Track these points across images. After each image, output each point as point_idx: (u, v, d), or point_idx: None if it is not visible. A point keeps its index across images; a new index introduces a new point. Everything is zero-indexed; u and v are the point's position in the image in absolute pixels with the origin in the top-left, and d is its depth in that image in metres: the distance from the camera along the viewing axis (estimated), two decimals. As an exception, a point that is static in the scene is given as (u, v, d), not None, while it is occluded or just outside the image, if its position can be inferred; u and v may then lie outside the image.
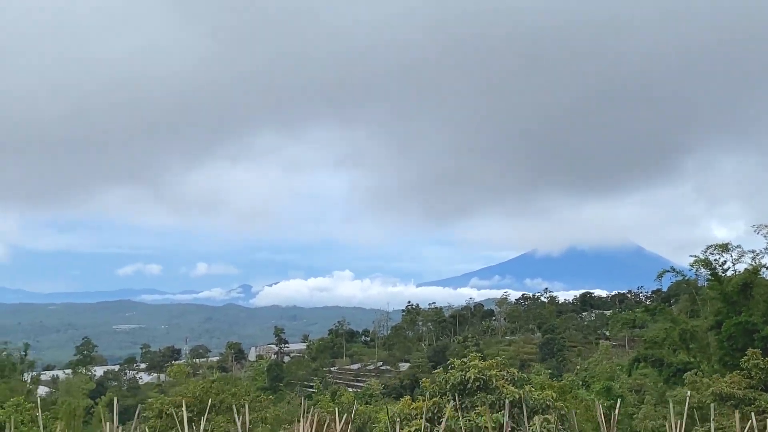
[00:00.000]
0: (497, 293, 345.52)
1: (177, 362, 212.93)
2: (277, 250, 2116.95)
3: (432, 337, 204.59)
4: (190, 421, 37.97)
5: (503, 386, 25.08)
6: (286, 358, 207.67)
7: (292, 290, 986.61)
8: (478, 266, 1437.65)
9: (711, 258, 72.41)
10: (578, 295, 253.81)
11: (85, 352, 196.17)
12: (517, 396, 24.17)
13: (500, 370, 26.05)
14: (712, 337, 68.48)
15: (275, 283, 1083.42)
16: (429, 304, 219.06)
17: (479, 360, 26.55)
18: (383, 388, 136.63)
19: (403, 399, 28.29)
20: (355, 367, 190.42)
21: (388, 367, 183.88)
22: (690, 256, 73.40)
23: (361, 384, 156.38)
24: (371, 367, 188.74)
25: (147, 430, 44.02)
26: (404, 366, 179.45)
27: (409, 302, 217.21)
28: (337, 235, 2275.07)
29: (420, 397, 27.16)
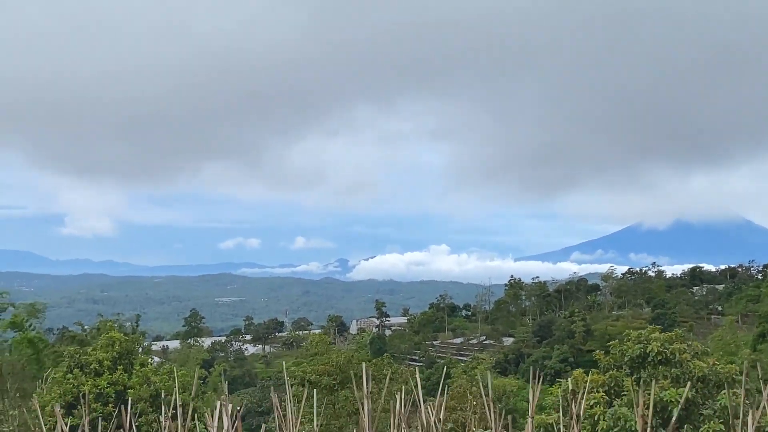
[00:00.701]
0: (599, 267, 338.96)
1: (306, 332, 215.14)
2: (373, 224, 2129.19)
3: (536, 312, 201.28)
4: (332, 389, 36.57)
5: (687, 360, 22.98)
6: (387, 332, 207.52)
7: (389, 264, 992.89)
8: (577, 241, 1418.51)
9: None
10: (686, 270, 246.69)
11: (192, 324, 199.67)
12: (705, 370, 22.14)
13: (682, 343, 23.89)
14: None
15: (371, 257, 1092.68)
16: (532, 278, 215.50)
17: (659, 332, 24.38)
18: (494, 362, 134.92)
19: (575, 372, 26.42)
20: (457, 341, 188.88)
21: (491, 342, 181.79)
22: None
23: (464, 358, 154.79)
24: (474, 341, 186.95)
25: (291, 397, 43.04)
26: (508, 341, 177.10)
27: (511, 276, 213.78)
28: (433, 208, 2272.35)
29: (594, 371, 25.16)
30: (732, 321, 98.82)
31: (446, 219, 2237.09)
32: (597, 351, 27.68)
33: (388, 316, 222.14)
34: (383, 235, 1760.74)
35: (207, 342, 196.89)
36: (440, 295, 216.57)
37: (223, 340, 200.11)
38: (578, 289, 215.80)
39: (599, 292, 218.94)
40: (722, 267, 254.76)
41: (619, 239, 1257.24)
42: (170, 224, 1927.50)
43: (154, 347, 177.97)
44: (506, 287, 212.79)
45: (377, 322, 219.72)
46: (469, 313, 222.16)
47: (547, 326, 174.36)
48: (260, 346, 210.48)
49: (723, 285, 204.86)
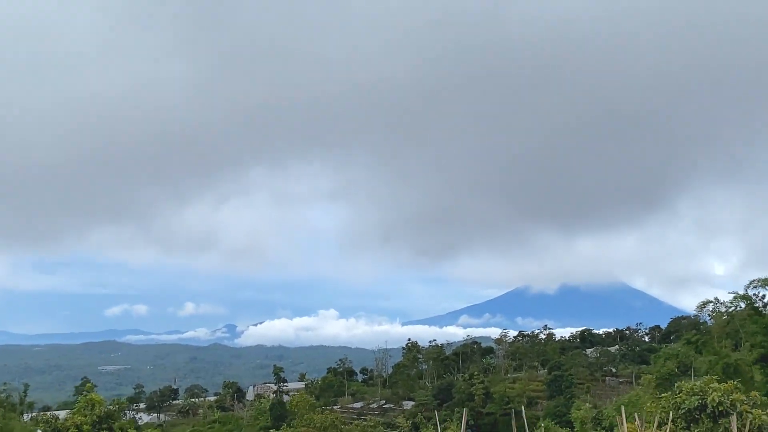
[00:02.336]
0: (487, 331, 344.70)
1: (177, 401, 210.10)
2: (263, 289, 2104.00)
3: (433, 375, 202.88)
4: None
5: (747, 410, 23.97)
6: (286, 397, 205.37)
7: (278, 330, 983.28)
8: (464, 304, 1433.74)
9: (751, 293, 71.92)
10: (576, 333, 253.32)
11: (84, 393, 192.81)
12: (765, 418, 23.23)
13: (741, 394, 24.89)
14: (756, 371, 67.73)
15: (260, 323, 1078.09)
16: (429, 342, 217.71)
17: (716, 382, 25.34)
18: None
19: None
20: (357, 405, 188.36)
21: (391, 406, 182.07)
22: (704, 301, 73.14)
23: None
24: (374, 405, 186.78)
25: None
26: (408, 404, 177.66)
27: (408, 339, 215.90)
28: (322, 273, 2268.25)
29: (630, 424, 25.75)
30: (651, 379, 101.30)
31: (335, 283, 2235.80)
32: (649, 404, 28.18)
33: (285, 381, 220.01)
34: (272, 300, 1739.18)
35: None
36: (339, 360, 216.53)
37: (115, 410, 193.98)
38: (473, 352, 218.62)
39: (493, 355, 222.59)
40: (609, 330, 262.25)
41: (506, 303, 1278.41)
42: (53, 290, 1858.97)
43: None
44: (403, 351, 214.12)
45: (275, 387, 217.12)
46: (366, 377, 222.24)
47: (446, 389, 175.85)
48: (154, 414, 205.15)
49: (614, 347, 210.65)
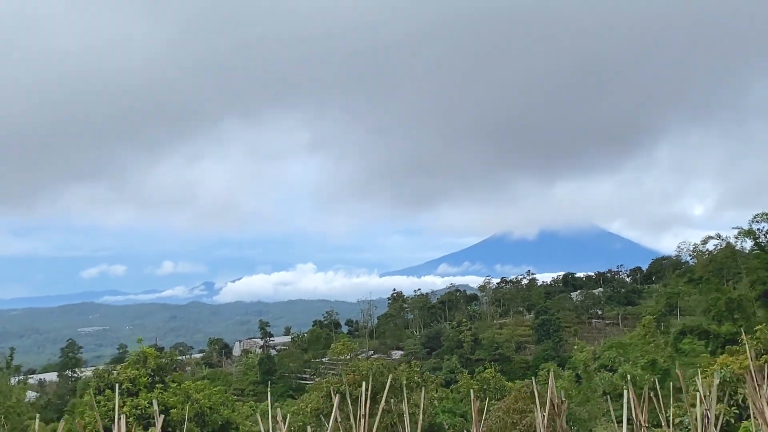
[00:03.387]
0: (467, 279, 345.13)
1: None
2: (239, 246, 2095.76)
3: (419, 324, 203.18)
4: (363, 399, 35.85)
5: None
6: (273, 352, 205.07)
7: (256, 286, 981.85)
8: (441, 254, 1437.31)
9: (755, 228, 71.49)
10: (558, 277, 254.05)
11: (70, 354, 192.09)
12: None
13: None
14: (758, 307, 67.77)
15: (238, 279, 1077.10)
16: (414, 291, 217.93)
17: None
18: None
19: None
20: (347, 357, 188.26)
21: (380, 355, 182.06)
22: (695, 241, 73.14)
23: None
24: (363, 356, 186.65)
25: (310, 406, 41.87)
26: (397, 354, 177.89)
27: (393, 289, 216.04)
28: (299, 228, 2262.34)
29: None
30: (650, 320, 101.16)
31: (313, 237, 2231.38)
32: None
33: (271, 336, 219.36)
34: (250, 257, 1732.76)
35: (87, 372, 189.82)
36: (326, 312, 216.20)
37: (101, 369, 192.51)
38: (457, 299, 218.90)
39: (477, 302, 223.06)
40: (590, 273, 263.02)
41: (485, 251, 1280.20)
42: (27, 254, 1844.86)
43: (30, 381, 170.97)
44: (388, 301, 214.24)
45: (261, 342, 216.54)
46: (351, 328, 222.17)
47: (435, 337, 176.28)
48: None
49: (598, 290, 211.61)
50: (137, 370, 25.71)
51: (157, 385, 25.33)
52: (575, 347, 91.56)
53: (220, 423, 23.41)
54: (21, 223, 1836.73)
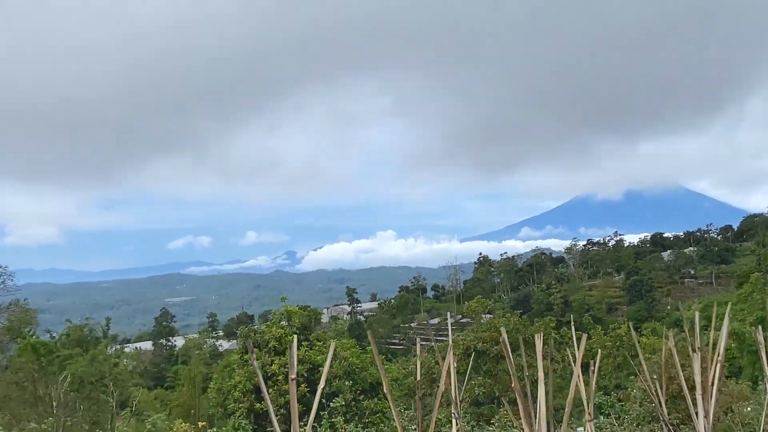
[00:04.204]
0: (548, 243, 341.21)
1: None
2: (320, 215, 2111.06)
3: (506, 288, 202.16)
4: (500, 358, 35.32)
5: None
6: (360, 318, 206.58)
7: (337, 254, 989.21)
8: (521, 218, 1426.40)
9: None
10: (646, 237, 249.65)
11: (164, 323, 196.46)
12: None
13: None
14: None
15: (320, 248, 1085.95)
16: (500, 254, 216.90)
17: None
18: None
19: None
20: (434, 321, 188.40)
21: (468, 320, 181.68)
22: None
23: (444, 338, 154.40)
24: (451, 320, 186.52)
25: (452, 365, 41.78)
26: (485, 317, 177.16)
27: (480, 254, 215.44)
28: (379, 194, 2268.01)
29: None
30: (758, 277, 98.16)
31: (393, 204, 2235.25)
32: None
33: (359, 302, 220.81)
34: (332, 225, 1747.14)
35: (179, 341, 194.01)
36: (413, 278, 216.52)
37: (197, 338, 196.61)
38: (544, 262, 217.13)
39: (564, 264, 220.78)
40: (679, 234, 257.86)
41: (567, 213, 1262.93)
42: (116, 227, 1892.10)
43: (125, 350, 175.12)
44: (475, 265, 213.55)
45: (348, 308, 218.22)
46: (437, 293, 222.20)
47: (524, 300, 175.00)
48: (233, 341, 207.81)
49: (690, 249, 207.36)
50: (282, 328, 25.66)
51: (303, 343, 25.26)
52: (668, 307, 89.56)
53: (369, 382, 23.32)
54: (109, 196, 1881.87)
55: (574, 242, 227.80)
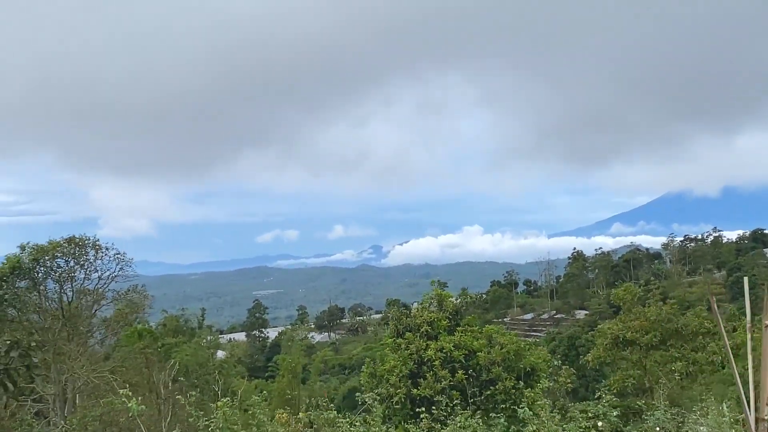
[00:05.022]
0: (639, 239, 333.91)
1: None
2: (407, 209, 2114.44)
3: (601, 284, 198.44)
4: (651, 348, 33.84)
5: None
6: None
7: (423, 248, 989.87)
8: (610, 214, 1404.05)
9: None
10: (746, 234, 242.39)
11: (257, 315, 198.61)
12: None
13: None
14: None
15: (405, 242, 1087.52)
16: (595, 249, 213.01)
17: None
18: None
19: None
20: (528, 317, 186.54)
21: (563, 316, 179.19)
22: None
23: (539, 333, 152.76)
24: (545, 316, 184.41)
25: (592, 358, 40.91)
26: (580, 314, 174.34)
27: (574, 248, 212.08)
28: (466, 189, 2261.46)
29: None
30: None
31: (480, 199, 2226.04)
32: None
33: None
34: (418, 219, 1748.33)
35: (272, 333, 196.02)
36: (507, 272, 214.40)
37: (290, 329, 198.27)
38: (640, 259, 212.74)
39: (660, 260, 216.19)
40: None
41: (660, 209, 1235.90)
42: (206, 220, 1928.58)
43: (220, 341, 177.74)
44: (569, 260, 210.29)
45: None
46: (530, 288, 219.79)
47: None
48: (325, 333, 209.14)
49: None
50: (436, 312, 24.80)
51: (457, 329, 24.33)
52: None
53: (526, 369, 22.25)
54: (200, 190, 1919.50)
55: (670, 238, 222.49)
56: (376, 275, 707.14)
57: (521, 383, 21.92)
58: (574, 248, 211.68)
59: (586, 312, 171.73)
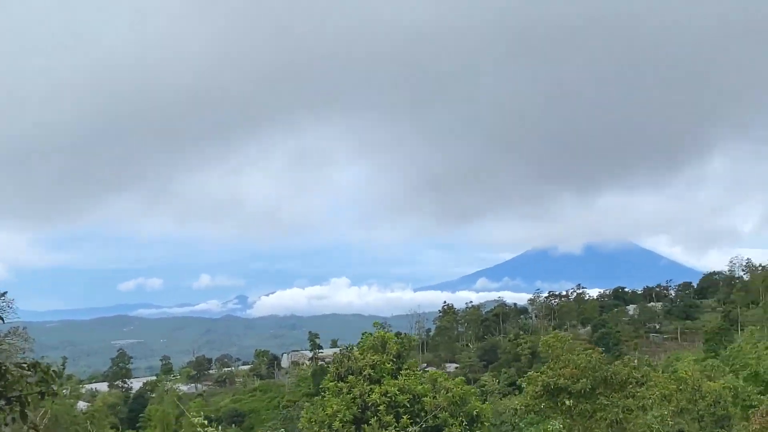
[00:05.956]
0: (504, 295, 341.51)
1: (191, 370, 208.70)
2: (276, 259, 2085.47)
3: (471, 337, 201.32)
4: (583, 395, 33.85)
5: None
6: (320, 363, 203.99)
7: (289, 299, 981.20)
8: (475, 269, 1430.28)
9: None
10: (605, 292, 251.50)
11: (120, 364, 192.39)
12: None
13: None
14: None
15: (272, 293, 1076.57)
16: (466, 303, 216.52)
17: None
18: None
19: None
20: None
21: (433, 368, 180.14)
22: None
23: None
24: (419, 370, 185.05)
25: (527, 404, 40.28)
26: (451, 366, 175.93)
27: (444, 302, 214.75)
28: (336, 240, 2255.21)
29: None
30: (753, 330, 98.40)
31: (348, 251, 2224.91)
32: None
33: (321, 348, 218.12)
34: (287, 270, 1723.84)
35: (136, 383, 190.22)
36: (380, 324, 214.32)
37: (156, 380, 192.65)
38: (507, 313, 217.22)
39: (527, 315, 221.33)
40: (637, 290, 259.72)
41: (524, 265, 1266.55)
42: (64, 265, 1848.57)
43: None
44: (439, 313, 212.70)
45: (310, 354, 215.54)
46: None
47: (491, 350, 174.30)
48: (192, 384, 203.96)
49: (653, 304, 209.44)
50: (379, 355, 24.24)
51: (401, 372, 23.84)
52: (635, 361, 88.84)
53: (472, 415, 21.94)
54: (60, 233, 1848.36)
55: (536, 294, 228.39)
56: (242, 326, 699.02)
57: (468, 429, 21.65)
58: (444, 302, 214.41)
59: (456, 365, 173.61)
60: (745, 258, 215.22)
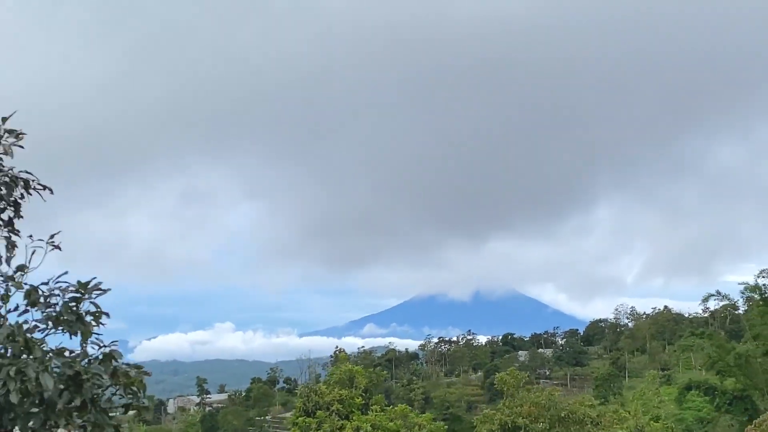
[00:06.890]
0: (391, 341, 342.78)
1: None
2: (160, 303, 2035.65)
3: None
4: None
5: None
6: (208, 409, 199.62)
7: (172, 344, 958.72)
8: (362, 315, 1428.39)
9: (761, 283, 70.92)
10: (496, 338, 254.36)
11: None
12: None
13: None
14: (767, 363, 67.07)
15: (153, 338, 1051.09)
16: (358, 348, 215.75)
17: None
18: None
19: None
20: (289, 414, 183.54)
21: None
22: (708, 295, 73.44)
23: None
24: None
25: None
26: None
27: (336, 347, 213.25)
28: (220, 285, 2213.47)
29: None
30: (654, 375, 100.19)
31: (234, 295, 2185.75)
32: None
33: (208, 393, 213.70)
34: (169, 314, 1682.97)
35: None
36: (271, 369, 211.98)
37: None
38: (398, 358, 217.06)
39: (418, 360, 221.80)
40: (524, 336, 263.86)
41: (411, 312, 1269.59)
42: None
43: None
44: (331, 358, 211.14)
45: (197, 399, 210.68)
46: (290, 386, 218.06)
47: (384, 395, 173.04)
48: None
49: (543, 350, 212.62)
50: (347, 390, 23.16)
51: (372, 407, 22.86)
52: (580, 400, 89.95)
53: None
54: None
55: (427, 339, 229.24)
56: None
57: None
58: (336, 346, 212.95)
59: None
60: (630, 306, 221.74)
